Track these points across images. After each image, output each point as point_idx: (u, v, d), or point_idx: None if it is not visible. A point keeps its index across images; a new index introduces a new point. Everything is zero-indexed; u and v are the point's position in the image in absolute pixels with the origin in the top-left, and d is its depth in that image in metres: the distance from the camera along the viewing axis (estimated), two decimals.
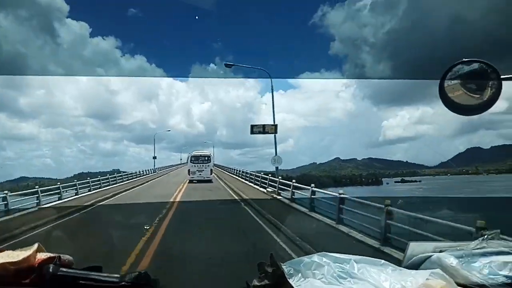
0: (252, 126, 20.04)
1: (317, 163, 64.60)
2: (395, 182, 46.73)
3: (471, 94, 1.12)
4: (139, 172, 32.26)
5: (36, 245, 0.81)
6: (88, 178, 20.64)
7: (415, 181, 46.34)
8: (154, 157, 39.34)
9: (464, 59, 1.11)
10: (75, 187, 18.12)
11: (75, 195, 17.52)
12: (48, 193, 15.75)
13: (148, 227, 8.40)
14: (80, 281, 0.78)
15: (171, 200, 15.32)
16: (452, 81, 1.12)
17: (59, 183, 17.42)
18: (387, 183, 45.93)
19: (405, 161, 61.36)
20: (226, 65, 20.38)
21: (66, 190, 16.99)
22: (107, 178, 23.07)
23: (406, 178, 47.71)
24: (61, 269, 0.78)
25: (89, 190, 19.16)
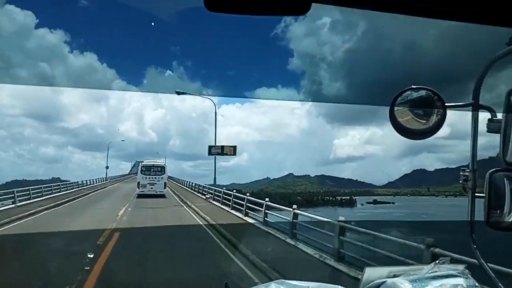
0: (210, 147, 20.49)
1: (271, 178, 69.33)
2: (367, 203, 47.94)
3: (419, 120, 1.24)
4: (85, 182, 31.52)
5: None
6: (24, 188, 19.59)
7: (389, 202, 47.89)
8: (107, 167, 40.82)
9: (413, 86, 1.23)
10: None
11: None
12: None
13: (91, 256, 7.72)
14: None
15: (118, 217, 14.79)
16: (401, 106, 1.23)
17: None
18: (362, 204, 46.91)
19: (355, 179, 66.10)
20: (177, 93, 21.79)
21: None
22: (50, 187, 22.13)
23: (379, 199, 49.30)
24: None
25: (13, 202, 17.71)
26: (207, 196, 22.18)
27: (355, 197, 49.45)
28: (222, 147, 20.35)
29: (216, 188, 21.46)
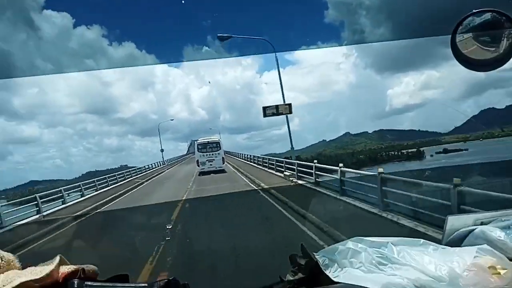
0: (265, 109, 18.71)
1: (327, 140, 67.11)
2: (436, 153, 44.96)
3: (486, 48, 1.10)
4: (148, 166, 32.16)
5: (58, 258, 0.80)
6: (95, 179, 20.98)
7: (461, 149, 44.54)
8: (162, 150, 38.89)
9: (474, 10, 1.08)
10: (80, 189, 18.46)
11: (80, 197, 17.70)
12: (50, 197, 15.62)
13: (170, 226, 8.36)
14: None
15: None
16: (465, 35, 1.10)
17: (62, 188, 17.31)
18: (431, 156, 44.14)
19: (417, 129, 61.88)
20: (220, 38, 18.10)
21: (68, 194, 17.06)
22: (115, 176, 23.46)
23: (450, 148, 46.09)
24: (86, 283, 0.78)
25: (96, 190, 19.59)
26: (286, 173, 16.83)
27: (422, 148, 46.80)
28: (277, 106, 18.58)
29: (298, 162, 16.50)
